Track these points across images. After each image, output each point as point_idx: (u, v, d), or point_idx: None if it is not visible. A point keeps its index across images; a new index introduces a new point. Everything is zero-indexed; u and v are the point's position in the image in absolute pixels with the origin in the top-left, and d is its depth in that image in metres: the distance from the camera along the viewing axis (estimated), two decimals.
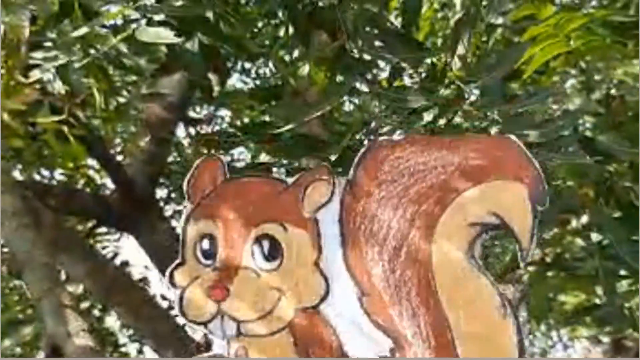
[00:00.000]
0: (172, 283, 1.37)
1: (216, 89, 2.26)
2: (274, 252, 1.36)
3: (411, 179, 1.36)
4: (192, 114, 4.27)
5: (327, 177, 1.37)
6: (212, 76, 2.11)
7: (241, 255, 1.36)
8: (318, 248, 1.36)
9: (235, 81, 3.83)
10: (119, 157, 4.00)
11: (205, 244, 1.38)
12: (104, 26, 1.76)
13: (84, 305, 3.89)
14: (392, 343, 1.33)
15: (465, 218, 1.34)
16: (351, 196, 1.37)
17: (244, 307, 1.34)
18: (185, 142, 4.25)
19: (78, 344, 2.07)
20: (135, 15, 1.70)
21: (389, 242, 1.35)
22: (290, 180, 1.40)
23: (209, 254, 1.37)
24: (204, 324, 1.36)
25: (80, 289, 3.69)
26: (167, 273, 1.38)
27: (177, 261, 1.39)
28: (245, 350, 1.35)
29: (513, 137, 1.37)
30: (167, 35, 1.67)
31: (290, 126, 1.68)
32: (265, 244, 1.36)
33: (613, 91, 2.09)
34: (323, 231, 1.36)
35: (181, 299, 1.36)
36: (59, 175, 3.98)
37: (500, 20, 1.94)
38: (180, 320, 2.93)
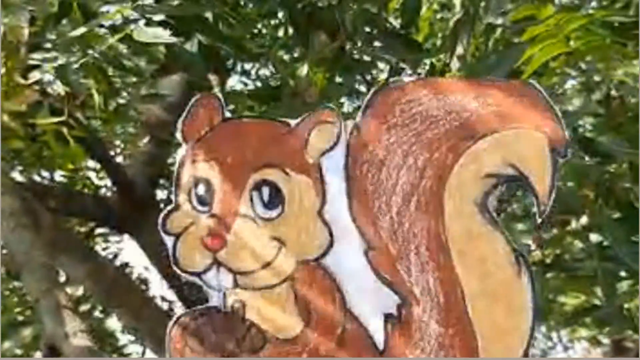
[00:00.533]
0: (165, 230, 1.28)
1: (216, 89, 2.26)
2: (275, 199, 1.25)
3: (423, 124, 1.25)
4: None
5: (334, 120, 1.26)
6: (211, 77, 2.11)
7: (239, 202, 1.26)
8: (322, 197, 1.26)
9: (235, 82, 3.83)
10: (119, 159, 3.99)
11: (201, 189, 1.28)
12: (102, 26, 1.76)
13: (85, 307, 3.88)
14: (399, 300, 1.24)
15: (479, 168, 1.24)
16: (358, 141, 1.26)
17: (242, 257, 1.25)
18: None
19: (76, 344, 2.06)
20: (134, 15, 1.70)
21: (397, 192, 1.25)
22: (293, 122, 1.29)
23: (205, 200, 1.27)
24: (198, 275, 1.27)
25: (80, 290, 3.69)
26: (160, 219, 1.28)
27: (170, 207, 1.29)
28: (242, 304, 1.27)
29: (534, 82, 1.27)
30: (165, 36, 1.67)
31: None
32: (265, 191, 1.26)
33: (613, 92, 2.09)
34: (327, 179, 1.26)
35: (174, 247, 1.27)
36: (59, 176, 3.98)
37: (499, 21, 1.94)
38: None
